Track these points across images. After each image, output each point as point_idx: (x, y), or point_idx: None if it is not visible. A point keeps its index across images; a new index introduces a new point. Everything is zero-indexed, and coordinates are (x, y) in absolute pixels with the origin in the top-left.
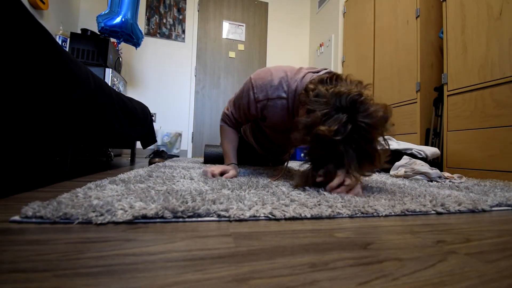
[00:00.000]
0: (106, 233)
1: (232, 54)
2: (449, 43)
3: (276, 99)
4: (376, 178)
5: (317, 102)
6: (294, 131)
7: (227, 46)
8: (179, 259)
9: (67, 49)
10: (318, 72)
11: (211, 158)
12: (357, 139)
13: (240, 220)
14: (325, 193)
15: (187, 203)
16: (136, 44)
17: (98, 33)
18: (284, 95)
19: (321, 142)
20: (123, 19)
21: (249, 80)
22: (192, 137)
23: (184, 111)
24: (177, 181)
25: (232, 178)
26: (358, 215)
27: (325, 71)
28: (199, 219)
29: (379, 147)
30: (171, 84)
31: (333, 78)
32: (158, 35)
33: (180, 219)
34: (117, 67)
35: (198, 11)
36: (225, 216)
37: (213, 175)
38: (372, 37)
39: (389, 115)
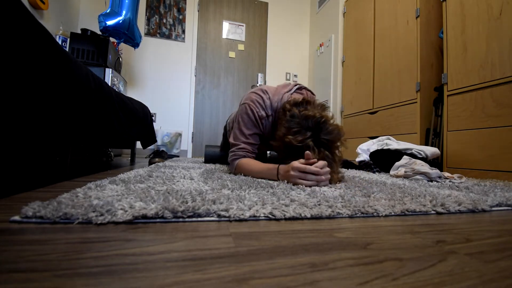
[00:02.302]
0: (106, 233)
1: (232, 54)
2: (449, 43)
3: (270, 116)
4: (376, 178)
5: (291, 121)
6: (273, 140)
7: (227, 46)
8: (179, 259)
9: (67, 49)
10: (291, 90)
11: (212, 158)
12: (321, 149)
13: (240, 220)
14: (325, 193)
15: (187, 203)
16: (135, 45)
17: (100, 32)
18: (271, 112)
19: (290, 148)
20: (124, 19)
21: (247, 107)
22: (192, 137)
23: (184, 111)
24: (177, 181)
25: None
26: (358, 215)
27: (296, 87)
28: (199, 219)
29: (336, 158)
30: (171, 84)
31: (304, 102)
32: (158, 35)
33: (180, 219)
34: (117, 67)
35: (198, 11)
36: (225, 216)
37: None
38: (372, 37)
39: (342, 133)
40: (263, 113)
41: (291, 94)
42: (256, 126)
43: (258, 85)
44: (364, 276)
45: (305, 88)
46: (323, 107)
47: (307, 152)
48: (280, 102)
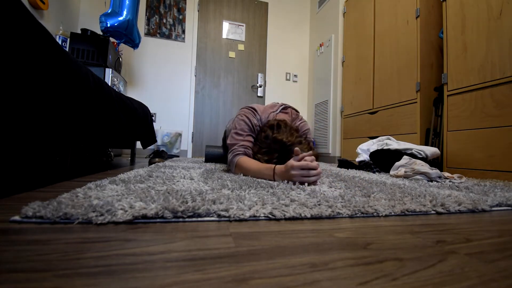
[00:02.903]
0: (106, 233)
1: (232, 54)
2: (449, 43)
3: (258, 126)
4: (376, 178)
5: (264, 142)
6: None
7: (227, 46)
8: (179, 259)
9: (67, 49)
10: (277, 110)
11: (212, 158)
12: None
13: (240, 220)
14: (325, 193)
15: (187, 203)
16: (135, 45)
17: (101, 32)
18: (259, 124)
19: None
20: (125, 20)
21: (242, 115)
22: (192, 137)
23: (184, 111)
24: (177, 181)
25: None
26: (358, 215)
27: (282, 107)
28: (199, 219)
29: None
30: (171, 84)
31: (278, 125)
32: (158, 35)
33: (180, 219)
34: (117, 67)
35: (198, 11)
36: (225, 216)
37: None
38: (372, 37)
39: (311, 150)
40: (255, 121)
41: (276, 113)
42: (251, 130)
43: (258, 85)
44: (364, 276)
45: (290, 107)
46: (295, 129)
47: (297, 148)
48: (265, 120)
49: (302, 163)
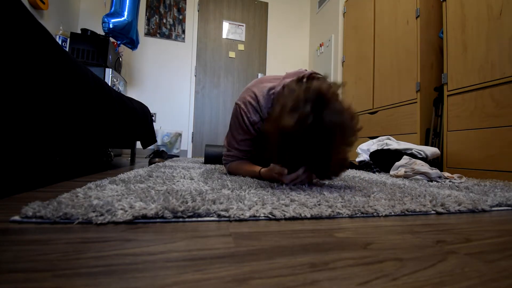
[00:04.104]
0: (106, 233)
1: (232, 54)
2: (449, 43)
3: (260, 123)
4: (376, 178)
5: (288, 96)
6: (265, 122)
7: (227, 46)
8: (179, 259)
9: (67, 49)
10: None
11: (212, 158)
12: (318, 139)
13: (240, 220)
14: (324, 193)
15: (187, 203)
16: (134, 47)
17: (104, 33)
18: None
19: (284, 136)
20: (125, 20)
21: (237, 108)
22: (192, 137)
23: (184, 111)
24: (177, 181)
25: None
26: (358, 215)
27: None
28: (199, 219)
29: (338, 156)
30: (171, 84)
31: (310, 76)
32: (158, 35)
33: (180, 219)
34: (117, 67)
35: (198, 11)
36: (225, 216)
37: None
38: (372, 37)
39: (354, 117)
40: (255, 118)
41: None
42: (247, 132)
43: None
44: (364, 276)
45: (320, 77)
46: (335, 83)
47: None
48: (267, 108)
49: (293, 176)
